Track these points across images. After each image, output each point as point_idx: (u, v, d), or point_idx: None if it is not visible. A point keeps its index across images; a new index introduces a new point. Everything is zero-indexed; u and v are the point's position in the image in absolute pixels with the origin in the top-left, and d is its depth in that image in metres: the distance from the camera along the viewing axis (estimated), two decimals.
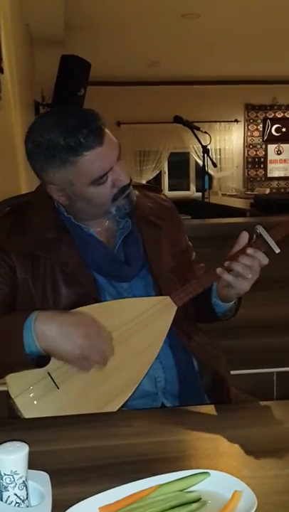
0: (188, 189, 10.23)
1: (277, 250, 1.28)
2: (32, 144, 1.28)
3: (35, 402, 1.20)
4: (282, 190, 10.17)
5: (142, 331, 1.26)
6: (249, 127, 10.24)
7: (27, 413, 1.20)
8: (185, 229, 1.58)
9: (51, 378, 1.21)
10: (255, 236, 1.32)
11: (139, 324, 1.26)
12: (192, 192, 10.07)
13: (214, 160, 4.92)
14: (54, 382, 1.21)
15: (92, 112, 1.28)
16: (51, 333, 1.16)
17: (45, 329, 1.16)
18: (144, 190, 1.55)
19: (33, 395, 1.21)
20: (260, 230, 1.31)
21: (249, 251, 1.26)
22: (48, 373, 1.21)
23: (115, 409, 1.22)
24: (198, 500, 0.83)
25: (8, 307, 1.31)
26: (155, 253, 1.41)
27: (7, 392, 1.35)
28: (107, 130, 1.26)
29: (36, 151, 1.27)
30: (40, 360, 1.19)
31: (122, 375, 1.24)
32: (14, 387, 1.21)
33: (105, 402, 1.21)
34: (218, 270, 1.28)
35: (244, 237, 1.30)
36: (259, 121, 10.25)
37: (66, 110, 1.32)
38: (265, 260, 1.27)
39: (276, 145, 10.29)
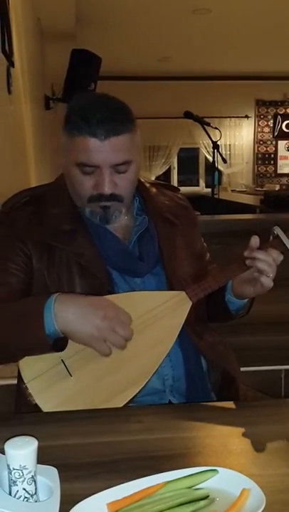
0: (197, 185, 10.21)
1: None
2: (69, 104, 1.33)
3: (47, 388, 1.20)
4: None
5: (155, 324, 1.26)
6: (259, 123, 10.19)
7: (39, 399, 1.20)
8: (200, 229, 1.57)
9: (65, 366, 1.21)
10: (271, 237, 1.33)
11: (153, 318, 1.26)
12: (201, 188, 10.05)
13: (224, 156, 4.90)
14: (67, 370, 1.21)
15: (121, 111, 1.28)
16: (69, 314, 1.16)
17: (63, 310, 1.16)
18: (162, 188, 1.54)
19: (45, 381, 1.20)
20: (278, 230, 1.32)
21: (270, 250, 1.27)
22: (62, 361, 1.21)
23: (125, 402, 1.22)
24: (206, 497, 0.83)
25: (23, 295, 1.32)
26: (170, 251, 1.41)
27: (14, 386, 1.36)
28: (121, 137, 1.25)
29: (66, 110, 1.31)
30: (56, 345, 1.18)
31: (134, 367, 1.24)
32: (27, 371, 1.22)
33: (116, 393, 1.21)
34: (248, 262, 1.27)
35: (256, 240, 1.30)
36: (269, 117, 10.19)
37: (108, 96, 1.32)
38: (280, 260, 1.28)
39: (286, 141, 10.23)
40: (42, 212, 1.36)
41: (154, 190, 1.50)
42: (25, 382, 1.21)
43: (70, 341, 1.20)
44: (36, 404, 1.20)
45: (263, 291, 1.29)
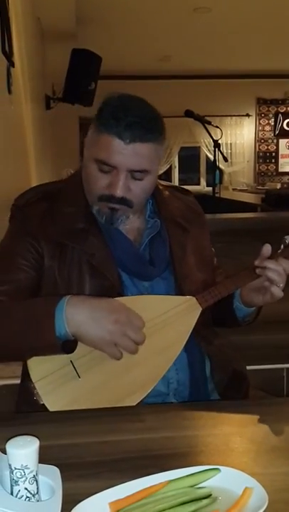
0: (198, 184, 10.21)
1: None
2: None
3: (55, 389, 1.20)
4: None
5: (165, 328, 1.25)
6: (260, 121, 10.18)
7: (46, 399, 1.19)
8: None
9: (73, 367, 1.20)
10: (283, 246, 1.32)
11: (163, 322, 1.25)
12: (202, 186, 10.05)
13: (225, 154, 4.90)
14: (76, 371, 1.20)
15: (153, 120, 1.27)
16: (81, 317, 1.16)
17: (75, 313, 1.16)
18: (174, 192, 1.54)
19: (54, 382, 1.20)
20: None
21: (280, 260, 1.26)
22: (71, 361, 1.21)
23: (132, 405, 1.21)
24: (208, 496, 0.83)
25: (33, 292, 1.31)
26: (180, 256, 1.40)
27: (15, 386, 1.36)
28: (146, 145, 1.24)
29: (100, 104, 1.31)
30: (66, 346, 1.18)
31: (143, 371, 1.23)
32: (36, 371, 1.21)
33: (124, 396, 1.21)
34: (258, 271, 1.27)
35: (268, 249, 1.29)
36: (271, 115, 10.18)
37: (145, 102, 1.31)
38: None
39: (288, 139, 10.22)
40: (56, 209, 1.35)
41: (166, 193, 1.49)
42: (34, 381, 1.21)
43: (79, 342, 1.20)
44: (43, 404, 1.20)
45: (272, 300, 1.29)
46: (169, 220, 1.43)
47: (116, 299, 1.24)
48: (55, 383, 1.20)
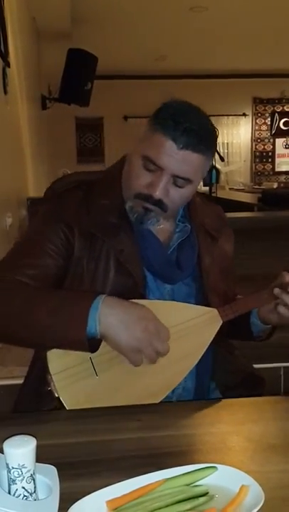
0: None
1: None
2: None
3: (71, 384, 1.19)
4: None
5: (185, 338, 1.24)
6: (257, 121, 10.20)
7: (62, 393, 1.19)
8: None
9: (92, 364, 1.20)
10: None
11: (183, 330, 1.25)
12: (199, 186, 10.02)
13: (222, 154, 4.90)
14: (94, 369, 1.20)
15: (210, 134, 1.28)
16: (113, 319, 1.15)
17: (109, 314, 1.15)
18: (205, 199, 1.54)
19: (71, 376, 1.19)
20: None
21: None
22: (90, 359, 1.20)
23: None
24: (205, 494, 0.83)
25: (57, 280, 1.30)
26: (208, 264, 1.40)
27: (13, 386, 1.36)
28: (196, 155, 1.24)
29: (161, 104, 1.31)
30: (91, 345, 1.17)
31: (159, 378, 1.23)
32: (55, 363, 1.20)
33: (136, 401, 1.20)
34: (276, 291, 1.28)
35: (286, 277, 1.29)
36: (267, 115, 10.20)
37: (205, 115, 1.32)
38: None
39: (284, 139, 10.24)
40: (91, 200, 1.34)
41: (198, 199, 1.48)
42: (52, 373, 1.19)
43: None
44: (58, 398, 1.19)
45: (288, 322, 1.31)
46: (199, 226, 1.43)
47: (142, 301, 1.23)
48: (72, 378, 1.19)
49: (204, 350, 1.28)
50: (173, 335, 1.21)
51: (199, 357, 1.28)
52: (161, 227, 1.38)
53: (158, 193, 1.26)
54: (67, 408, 1.18)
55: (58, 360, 1.20)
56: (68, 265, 1.31)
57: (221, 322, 1.30)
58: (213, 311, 1.30)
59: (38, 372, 1.30)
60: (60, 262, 1.30)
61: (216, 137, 1.31)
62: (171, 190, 1.28)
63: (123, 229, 1.32)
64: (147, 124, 1.29)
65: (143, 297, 1.29)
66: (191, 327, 1.26)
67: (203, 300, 1.36)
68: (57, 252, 1.30)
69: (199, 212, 1.45)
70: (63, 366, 1.20)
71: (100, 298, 1.17)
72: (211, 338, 1.29)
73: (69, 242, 1.31)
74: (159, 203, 1.28)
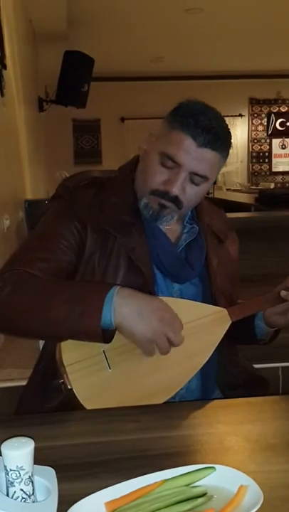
0: None
1: None
2: None
3: (84, 377, 1.19)
4: (287, 184, 10.14)
5: (195, 335, 1.24)
6: (253, 122, 10.21)
7: (74, 384, 1.18)
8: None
9: (105, 357, 1.20)
10: None
11: (193, 328, 1.25)
12: None
13: None
14: (107, 362, 1.20)
15: (227, 135, 1.32)
16: (129, 310, 1.15)
17: (124, 305, 1.15)
18: (211, 203, 1.55)
19: (84, 369, 1.19)
20: None
21: None
22: (103, 351, 1.20)
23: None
24: (203, 495, 0.83)
25: (68, 276, 1.30)
26: (216, 265, 1.42)
27: (15, 388, 1.36)
28: (214, 153, 1.27)
29: (179, 103, 1.33)
30: (105, 335, 1.16)
31: (169, 375, 1.23)
32: (69, 355, 1.20)
33: (148, 395, 1.21)
34: (283, 293, 1.29)
35: None
36: (263, 115, 10.21)
37: (222, 117, 1.35)
38: None
39: (281, 139, 10.25)
40: (103, 198, 1.35)
41: (205, 202, 1.49)
42: (65, 364, 1.19)
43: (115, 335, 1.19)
44: (72, 389, 1.18)
45: None
46: (206, 228, 1.44)
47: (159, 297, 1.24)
48: (85, 370, 1.19)
49: (214, 349, 1.29)
50: (185, 331, 1.21)
51: (209, 355, 1.28)
52: (170, 228, 1.39)
53: (175, 190, 1.27)
54: (79, 400, 1.18)
55: (71, 351, 1.20)
56: (79, 261, 1.32)
57: (230, 322, 1.30)
58: (222, 311, 1.30)
59: (46, 366, 1.30)
60: (72, 258, 1.31)
61: (231, 139, 1.33)
62: (187, 187, 1.29)
63: (135, 227, 1.33)
64: (164, 122, 1.31)
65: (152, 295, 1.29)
66: (201, 325, 1.27)
67: (210, 301, 1.37)
68: (69, 247, 1.31)
69: (206, 215, 1.46)
70: (77, 358, 1.20)
71: (114, 289, 1.17)
72: (221, 338, 1.29)
73: (81, 239, 1.31)
74: (175, 200, 1.29)
